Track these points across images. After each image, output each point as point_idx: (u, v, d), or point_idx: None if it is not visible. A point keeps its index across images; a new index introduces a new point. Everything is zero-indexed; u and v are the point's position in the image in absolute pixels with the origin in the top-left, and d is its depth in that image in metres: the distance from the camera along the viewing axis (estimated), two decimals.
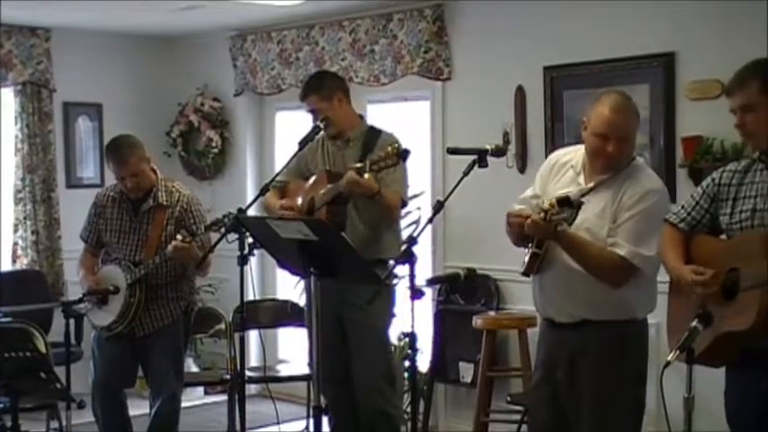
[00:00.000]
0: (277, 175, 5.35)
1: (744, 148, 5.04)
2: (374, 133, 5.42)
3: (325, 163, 5.42)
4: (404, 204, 5.32)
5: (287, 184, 5.55)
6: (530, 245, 4.15)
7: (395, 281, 5.36)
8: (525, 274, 4.28)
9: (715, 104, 5.44)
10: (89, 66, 8.55)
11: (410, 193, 5.55)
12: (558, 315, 4.30)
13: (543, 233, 4.02)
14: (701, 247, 3.98)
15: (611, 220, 4.10)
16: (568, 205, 3.85)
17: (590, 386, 4.21)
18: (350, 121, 5.45)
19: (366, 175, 4.86)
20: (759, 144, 3.91)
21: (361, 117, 5.57)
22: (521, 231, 4.06)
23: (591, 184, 4.11)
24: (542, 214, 3.91)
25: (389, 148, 4.75)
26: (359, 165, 4.89)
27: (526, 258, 4.18)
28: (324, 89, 5.40)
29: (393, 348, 5.87)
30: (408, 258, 4.31)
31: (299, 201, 5.41)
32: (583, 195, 4.00)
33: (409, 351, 4.32)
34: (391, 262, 4.56)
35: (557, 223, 3.88)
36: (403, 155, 4.67)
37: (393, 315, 5.59)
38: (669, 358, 3.57)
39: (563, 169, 4.32)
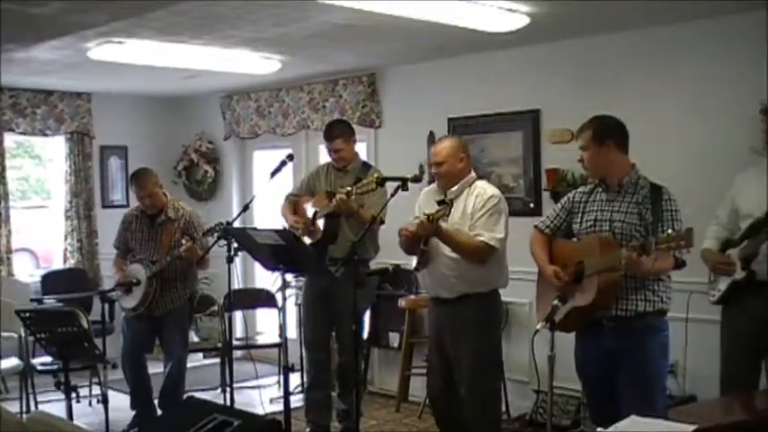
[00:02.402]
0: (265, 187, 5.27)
1: (588, 177, 5.11)
2: (366, 167, 5.39)
3: (328, 185, 5.32)
4: (381, 222, 4.98)
5: (299, 197, 5.48)
6: (420, 247, 4.28)
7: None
8: (416, 269, 4.44)
9: (568, 147, 5.49)
10: (119, 119, 8.42)
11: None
12: (445, 292, 4.39)
13: (429, 230, 4.18)
14: (559, 247, 4.04)
15: (470, 219, 4.29)
16: (444, 204, 4.12)
17: (469, 343, 4.33)
18: (353, 157, 5.39)
19: (352, 197, 4.84)
20: (594, 174, 4.00)
21: (357, 154, 5.47)
22: (411, 237, 4.26)
23: (449, 198, 4.30)
24: (427, 216, 4.11)
25: (371, 177, 4.75)
26: (348, 189, 4.84)
27: (415, 258, 4.35)
28: (346, 134, 5.33)
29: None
30: (353, 258, 4.45)
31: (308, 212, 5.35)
32: (451, 202, 4.22)
33: (354, 326, 4.38)
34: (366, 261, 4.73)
35: (438, 218, 4.09)
36: (380, 182, 4.63)
37: (371, 302, 5.64)
38: (537, 327, 3.61)
39: (430, 195, 4.50)
